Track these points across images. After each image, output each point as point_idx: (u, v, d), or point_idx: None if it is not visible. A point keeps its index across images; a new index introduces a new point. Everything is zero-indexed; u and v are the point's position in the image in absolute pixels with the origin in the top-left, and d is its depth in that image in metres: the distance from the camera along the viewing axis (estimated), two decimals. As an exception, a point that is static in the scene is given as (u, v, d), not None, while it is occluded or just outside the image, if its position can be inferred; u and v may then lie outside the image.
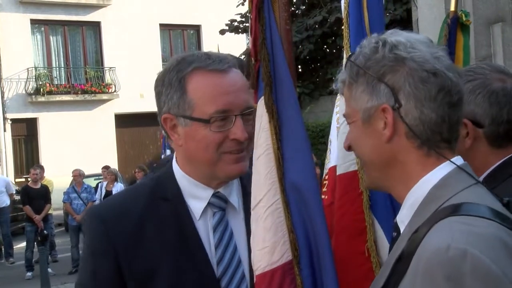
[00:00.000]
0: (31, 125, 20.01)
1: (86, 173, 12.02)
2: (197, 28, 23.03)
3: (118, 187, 11.09)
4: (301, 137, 1.43)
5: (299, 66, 13.44)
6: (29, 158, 19.74)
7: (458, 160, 1.08)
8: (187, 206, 1.44)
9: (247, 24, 13.79)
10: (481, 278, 0.87)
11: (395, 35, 1.10)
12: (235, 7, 14.73)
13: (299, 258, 1.41)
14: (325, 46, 13.72)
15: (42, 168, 11.06)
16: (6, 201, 11.57)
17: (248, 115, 1.42)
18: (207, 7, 22.02)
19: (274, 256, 1.41)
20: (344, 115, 1.18)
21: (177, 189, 1.45)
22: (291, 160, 1.42)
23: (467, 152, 1.46)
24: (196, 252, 1.40)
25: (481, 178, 1.47)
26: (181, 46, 23.05)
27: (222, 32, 14.60)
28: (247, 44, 15.58)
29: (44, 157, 19.44)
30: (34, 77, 19.78)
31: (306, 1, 13.65)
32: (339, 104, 2.48)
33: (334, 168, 2.37)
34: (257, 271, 1.40)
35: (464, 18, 2.38)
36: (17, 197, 12.11)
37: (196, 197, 1.45)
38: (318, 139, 12.36)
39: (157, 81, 1.47)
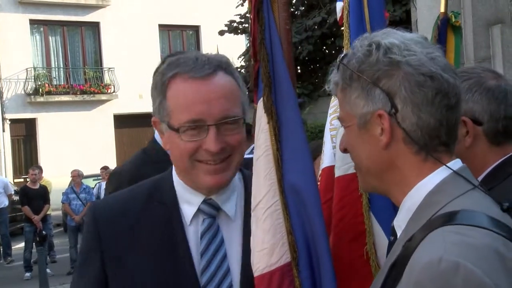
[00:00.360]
0: (30, 125, 19.99)
1: (85, 173, 12.02)
2: (196, 29, 23.03)
3: None
4: (300, 138, 1.43)
5: (298, 67, 13.43)
6: (28, 159, 19.72)
7: (456, 163, 1.06)
8: (180, 211, 1.42)
9: (246, 25, 13.79)
10: None
11: (389, 36, 1.06)
12: (234, 8, 14.72)
13: (297, 259, 1.40)
14: (324, 47, 13.71)
15: (40, 168, 11.06)
16: (5, 202, 11.57)
17: (228, 124, 1.34)
18: (207, 7, 22.02)
19: (273, 257, 1.40)
20: (339, 119, 1.15)
21: (173, 194, 1.44)
22: (290, 161, 1.42)
23: (467, 150, 1.46)
24: (182, 258, 1.38)
25: (480, 177, 1.47)
26: (180, 47, 23.04)
27: (221, 33, 14.59)
28: (247, 45, 15.60)
29: (43, 158, 19.42)
30: (33, 78, 19.76)
31: (306, 2, 13.64)
32: (333, 106, 2.48)
33: (327, 169, 2.37)
34: (256, 273, 1.40)
35: (453, 19, 2.37)
36: (16, 198, 12.10)
37: (189, 202, 1.43)
38: (317, 140, 12.33)
39: (152, 79, 1.47)
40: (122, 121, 20.96)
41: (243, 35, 15.04)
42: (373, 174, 1.10)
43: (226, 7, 17.99)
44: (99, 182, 11.91)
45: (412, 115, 1.02)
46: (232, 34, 14.75)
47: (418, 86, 1.01)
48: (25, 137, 20.10)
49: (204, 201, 1.42)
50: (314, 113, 13.23)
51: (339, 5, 2.54)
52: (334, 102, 2.45)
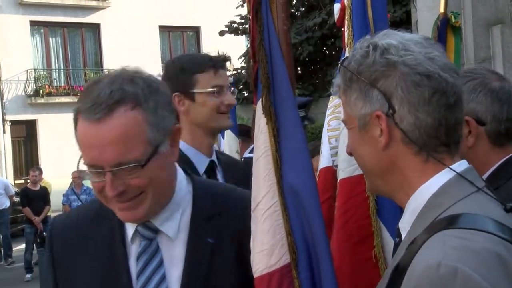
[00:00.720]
0: (30, 126, 20.00)
1: (86, 174, 12.00)
2: (196, 30, 23.04)
3: None
4: (299, 139, 1.43)
5: (299, 68, 13.43)
6: (29, 160, 19.72)
7: (461, 165, 1.05)
8: (125, 230, 1.38)
9: (246, 26, 13.79)
10: None
11: (388, 37, 1.06)
12: (234, 9, 14.73)
13: (297, 261, 1.40)
14: (324, 48, 13.72)
15: (40, 170, 11.06)
16: (6, 203, 11.56)
17: (126, 170, 1.22)
18: (207, 8, 22.03)
19: (272, 259, 1.40)
20: (343, 121, 1.15)
21: None
22: (290, 162, 1.41)
23: (469, 150, 1.46)
24: (120, 278, 1.34)
25: (483, 178, 1.47)
26: (181, 48, 23.05)
27: (222, 33, 14.60)
28: (247, 46, 15.59)
29: (44, 159, 19.42)
30: (33, 79, 19.78)
31: (306, 2, 13.65)
32: (331, 107, 2.49)
33: (324, 170, 2.37)
34: (255, 274, 1.40)
35: (453, 20, 2.37)
36: (17, 199, 12.11)
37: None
38: (318, 141, 12.32)
39: None
40: (123, 122, 20.97)
41: (244, 35, 15.05)
42: (377, 175, 1.10)
43: (227, 8, 18.00)
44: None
45: (410, 115, 1.01)
46: (233, 34, 14.76)
47: (414, 86, 1.01)
48: (25, 138, 20.10)
49: (142, 223, 1.34)
50: (315, 113, 13.20)
51: (336, 7, 2.54)
52: (331, 104, 2.45)
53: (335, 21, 2.53)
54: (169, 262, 1.35)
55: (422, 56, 1.02)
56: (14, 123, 19.60)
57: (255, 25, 1.41)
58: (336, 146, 2.36)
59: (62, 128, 19.80)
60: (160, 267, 1.34)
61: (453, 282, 0.85)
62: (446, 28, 2.37)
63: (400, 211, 1.85)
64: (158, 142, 1.25)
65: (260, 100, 1.42)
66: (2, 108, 19.26)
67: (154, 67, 21.16)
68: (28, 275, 9.97)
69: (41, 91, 19.62)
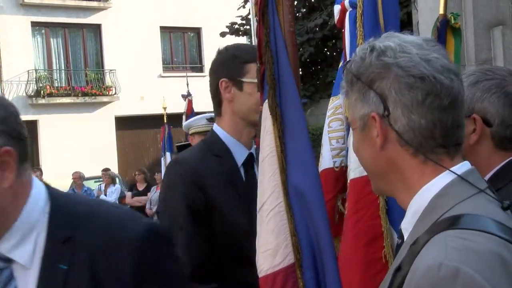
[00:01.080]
0: (31, 127, 19.98)
1: (86, 175, 12.03)
2: (197, 31, 23.04)
3: (112, 190, 11.11)
4: (304, 140, 1.44)
5: (300, 69, 13.43)
6: (29, 160, 19.71)
7: (463, 166, 1.05)
8: None
9: (247, 27, 13.80)
10: None
11: (387, 40, 1.07)
12: (235, 10, 14.73)
13: (301, 261, 1.41)
14: (325, 49, 13.72)
15: (40, 170, 11.07)
16: None
17: None
18: (208, 9, 22.03)
19: (276, 259, 1.41)
20: (348, 122, 1.19)
21: None
22: (294, 163, 1.43)
23: (471, 148, 1.47)
24: None
25: (485, 178, 1.47)
26: (182, 49, 23.06)
27: (223, 34, 14.61)
28: (248, 46, 15.58)
29: (44, 159, 19.42)
30: (34, 79, 19.78)
31: (307, 4, 13.66)
32: (331, 108, 2.50)
33: (325, 171, 2.38)
34: (260, 274, 1.41)
35: (453, 21, 2.37)
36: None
37: None
38: (318, 142, 12.31)
39: None
40: (124, 123, 20.96)
41: (245, 37, 15.04)
42: (377, 175, 1.11)
43: (227, 9, 18.01)
44: (100, 184, 11.92)
45: (403, 117, 1.02)
46: (234, 36, 14.76)
47: (407, 88, 1.02)
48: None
49: None
50: (316, 115, 13.22)
51: (336, 8, 2.56)
52: (332, 105, 2.47)
53: (335, 22, 2.55)
54: None
55: (418, 58, 1.03)
56: (15, 123, 19.58)
57: (261, 27, 1.43)
58: (336, 148, 2.38)
59: (63, 128, 19.81)
60: None
61: (454, 282, 0.85)
62: (445, 29, 2.38)
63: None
64: None
65: (266, 101, 1.43)
66: (3, 108, 19.25)
67: (154, 68, 21.22)
68: (29, 276, 9.97)
69: (42, 91, 19.61)
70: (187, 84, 8.30)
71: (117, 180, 12.16)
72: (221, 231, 1.78)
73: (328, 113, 2.53)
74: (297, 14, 13.73)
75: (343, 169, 2.38)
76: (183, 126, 5.09)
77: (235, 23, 14.65)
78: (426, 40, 1.09)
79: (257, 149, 3.62)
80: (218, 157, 1.89)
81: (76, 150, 19.50)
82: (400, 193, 1.09)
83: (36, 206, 1.25)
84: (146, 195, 10.83)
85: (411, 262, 0.93)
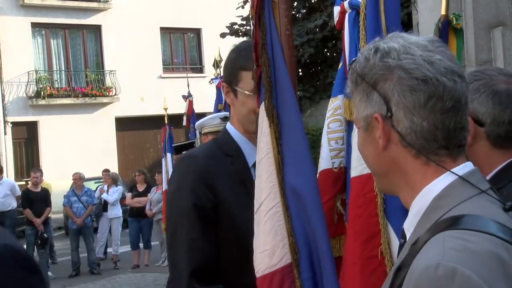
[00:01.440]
0: (31, 128, 20.01)
1: (87, 176, 12.02)
2: (197, 32, 23.07)
3: (114, 190, 11.13)
4: (301, 142, 1.44)
5: (300, 70, 13.43)
6: (30, 162, 19.73)
7: (465, 167, 1.06)
8: None
9: (247, 27, 13.80)
10: None
11: (392, 40, 1.08)
12: (235, 10, 14.74)
13: (298, 261, 1.41)
14: (325, 50, 13.72)
15: (41, 171, 11.06)
16: (13, 204, 11.44)
17: None
18: (208, 10, 22.06)
19: (274, 259, 1.41)
20: (354, 121, 1.19)
21: None
22: (291, 164, 1.43)
23: (469, 149, 1.47)
24: None
25: (486, 178, 1.47)
26: (182, 50, 23.08)
27: (223, 35, 14.61)
28: (248, 47, 15.58)
29: (45, 161, 19.44)
30: (34, 80, 19.80)
31: (307, 4, 13.66)
32: (330, 109, 2.51)
33: (324, 172, 2.39)
34: (257, 274, 1.42)
35: (455, 22, 2.38)
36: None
37: None
38: (318, 143, 12.30)
39: None
40: (124, 124, 20.98)
41: (244, 37, 15.05)
42: (381, 175, 1.12)
43: (227, 10, 18.02)
44: (100, 185, 11.93)
45: (405, 119, 1.03)
46: (233, 36, 14.77)
47: (410, 91, 1.02)
48: (26, 140, 20.12)
49: None
50: (316, 115, 13.24)
51: (336, 10, 2.56)
52: (331, 106, 2.48)
53: (335, 24, 2.56)
54: None
55: (421, 60, 1.03)
56: (15, 124, 19.62)
57: (258, 29, 1.43)
58: (336, 148, 2.39)
59: (63, 129, 19.83)
60: None
61: (451, 282, 0.85)
62: (447, 30, 2.38)
63: (405, 210, 1.89)
64: None
65: (263, 103, 1.44)
66: (3, 109, 19.27)
67: (155, 69, 21.23)
68: (29, 277, 9.97)
69: (42, 92, 19.64)
70: (188, 85, 8.30)
71: (119, 181, 12.16)
72: (228, 230, 1.75)
73: (327, 114, 2.54)
74: (297, 15, 13.73)
75: (342, 170, 2.39)
76: (195, 125, 5.03)
77: (235, 24, 14.65)
78: (431, 40, 1.08)
79: None
80: (229, 156, 1.86)
81: (76, 151, 19.52)
82: (403, 193, 1.10)
83: None
84: (146, 196, 10.82)
85: (411, 261, 0.94)
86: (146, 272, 10.09)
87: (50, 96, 19.84)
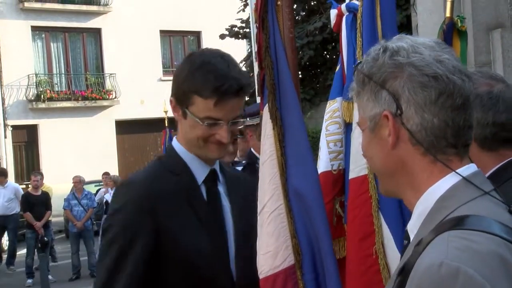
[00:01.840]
0: (31, 131, 20.02)
1: (87, 179, 12.02)
2: (197, 34, 23.09)
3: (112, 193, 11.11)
4: (304, 144, 1.45)
5: (300, 72, 13.44)
6: (30, 165, 19.73)
7: (469, 168, 1.07)
8: None
9: (247, 30, 13.82)
10: None
11: (400, 41, 1.09)
12: (235, 13, 14.77)
13: (301, 262, 1.42)
14: (325, 52, 13.74)
15: (42, 175, 11.06)
16: (16, 208, 11.46)
17: None
18: (208, 13, 22.09)
19: (277, 260, 1.42)
20: (358, 124, 1.19)
21: None
22: (294, 166, 1.44)
23: None
24: None
25: None
26: (182, 52, 23.09)
27: (222, 36, 14.63)
28: (248, 50, 15.62)
29: (45, 164, 19.43)
30: (34, 84, 19.81)
31: (306, 7, 13.69)
32: (329, 112, 2.53)
33: (323, 174, 2.41)
34: (260, 275, 1.42)
35: (459, 24, 2.39)
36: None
37: None
38: (318, 145, 12.33)
39: None
40: (124, 127, 20.99)
41: (244, 40, 15.07)
42: (387, 175, 1.12)
43: (227, 13, 18.05)
44: (101, 187, 11.92)
45: (416, 116, 1.03)
46: (233, 38, 14.78)
47: (421, 87, 1.03)
48: (26, 143, 20.12)
49: None
50: (316, 118, 13.24)
51: (333, 13, 2.58)
52: (329, 108, 2.50)
53: (332, 27, 2.59)
54: None
55: (431, 59, 1.04)
56: (15, 128, 19.62)
57: (261, 32, 1.44)
58: (334, 151, 2.41)
59: (63, 133, 19.83)
60: None
61: (454, 282, 0.86)
62: (452, 32, 2.39)
63: (401, 210, 1.92)
64: None
65: (267, 105, 1.45)
66: (3, 113, 19.28)
67: (154, 72, 21.24)
68: (29, 280, 9.97)
69: (42, 96, 19.65)
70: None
71: (119, 183, 12.14)
72: (173, 257, 1.58)
73: (325, 117, 2.56)
74: (297, 17, 13.74)
75: (341, 172, 2.41)
76: None
77: (235, 26, 14.67)
78: (437, 42, 1.10)
79: (249, 157, 3.60)
80: (175, 174, 1.68)
81: (76, 154, 19.51)
82: (407, 194, 1.10)
83: None
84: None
85: (415, 261, 0.94)
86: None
87: (50, 99, 19.85)
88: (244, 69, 14.54)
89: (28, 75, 19.75)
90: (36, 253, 10.00)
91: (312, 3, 13.67)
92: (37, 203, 10.29)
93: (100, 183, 13.15)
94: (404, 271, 0.98)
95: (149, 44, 21.49)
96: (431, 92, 1.03)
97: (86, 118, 20.46)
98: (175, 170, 1.70)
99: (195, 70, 1.64)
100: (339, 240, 2.29)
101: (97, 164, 18.18)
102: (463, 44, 2.44)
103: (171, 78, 1.75)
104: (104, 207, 11.15)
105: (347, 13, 2.46)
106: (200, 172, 1.72)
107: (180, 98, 1.68)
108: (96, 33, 21.34)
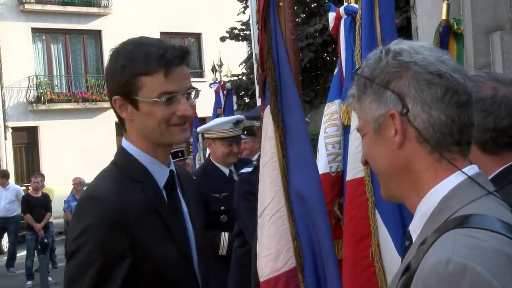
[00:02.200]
0: (32, 133, 20.01)
1: (87, 181, 12.01)
2: (197, 36, 23.11)
3: None
4: (306, 146, 1.45)
5: (300, 74, 13.44)
6: (30, 167, 19.72)
7: (472, 169, 1.08)
8: None
9: (247, 32, 13.83)
10: None
11: (400, 44, 1.11)
12: (235, 15, 14.78)
13: (303, 265, 1.42)
14: (325, 54, 13.75)
15: (43, 176, 11.06)
16: (17, 210, 11.47)
17: None
18: (208, 15, 22.11)
19: (278, 263, 1.42)
20: (357, 129, 1.20)
21: None
22: (296, 168, 1.44)
23: None
24: None
25: None
26: (182, 54, 23.12)
27: (223, 39, 14.64)
28: (248, 52, 15.63)
29: (45, 166, 19.42)
30: (35, 86, 19.82)
31: (306, 9, 13.70)
32: (327, 114, 2.54)
33: (321, 177, 2.42)
34: (261, 278, 1.42)
35: (455, 26, 2.40)
36: (18, 206, 12.07)
37: None
38: (317, 147, 12.32)
39: None
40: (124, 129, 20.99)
41: (245, 42, 15.07)
42: (391, 177, 1.13)
43: (228, 14, 18.07)
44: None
45: (423, 113, 1.05)
46: (234, 41, 14.79)
47: (427, 84, 1.05)
48: (27, 145, 20.11)
49: None
50: (315, 120, 13.25)
51: (331, 16, 2.60)
52: (328, 111, 2.52)
53: (330, 29, 2.60)
54: None
55: (433, 58, 1.06)
56: (15, 129, 19.62)
57: (263, 34, 1.44)
58: (333, 153, 2.43)
59: (63, 134, 19.83)
60: None
61: (462, 278, 0.87)
62: (448, 34, 2.41)
63: (400, 212, 1.93)
64: None
65: (268, 107, 1.45)
66: (3, 114, 19.28)
67: (155, 74, 21.24)
68: (29, 282, 9.96)
69: (42, 97, 19.65)
70: (190, 89, 8.31)
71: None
72: (148, 270, 1.50)
73: (324, 119, 2.58)
74: (297, 19, 13.73)
75: (339, 174, 2.43)
76: (197, 129, 4.73)
77: (235, 28, 14.68)
78: (434, 46, 1.13)
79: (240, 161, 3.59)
80: (138, 182, 1.56)
81: (76, 156, 19.50)
82: (410, 196, 1.11)
83: None
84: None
85: (420, 261, 0.95)
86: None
87: (51, 101, 19.85)
88: (244, 70, 14.58)
89: (29, 76, 19.75)
90: (36, 255, 9.99)
91: (312, 5, 13.68)
92: (37, 205, 10.29)
93: (100, 185, 13.11)
94: (410, 269, 0.98)
95: (149, 46, 21.48)
96: (437, 89, 1.04)
97: (86, 119, 20.46)
98: (138, 178, 1.58)
99: (132, 53, 1.54)
100: (337, 242, 2.30)
101: (97, 166, 18.03)
102: (459, 47, 2.45)
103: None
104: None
105: (345, 16, 2.47)
106: (160, 176, 1.62)
107: (125, 90, 1.56)
108: (96, 35, 21.34)
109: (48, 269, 9.60)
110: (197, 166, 7.15)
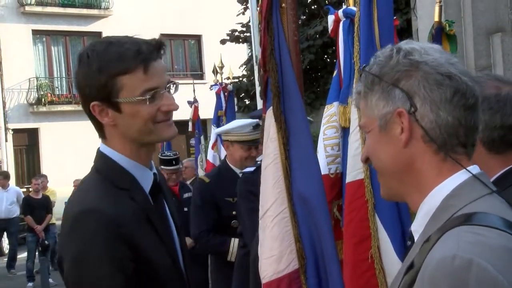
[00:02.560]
0: (32, 135, 20.01)
1: (88, 183, 12.01)
2: (198, 38, 23.12)
3: None
4: (308, 147, 1.46)
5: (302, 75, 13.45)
6: (31, 168, 19.72)
7: (475, 169, 1.09)
8: None
9: (248, 34, 13.84)
10: None
11: (410, 44, 1.12)
12: (235, 17, 14.79)
13: (305, 267, 1.42)
14: (325, 56, 13.76)
15: (45, 177, 11.07)
16: (17, 212, 11.49)
17: None
18: (208, 17, 22.12)
19: (281, 264, 1.42)
20: (361, 126, 1.20)
21: None
22: (299, 170, 1.44)
23: None
24: None
25: None
26: (182, 56, 23.12)
27: (223, 42, 14.65)
28: (248, 54, 15.63)
29: (46, 167, 19.41)
30: (35, 87, 19.83)
31: (307, 11, 13.71)
32: (326, 116, 2.55)
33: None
34: (263, 280, 1.42)
35: (448, 28, 2.42)
36: (19, 207, 12.07)
37: None
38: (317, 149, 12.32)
39: None
40: (124, 130, 20.99)
41: (245, 44, 15.09)
42: (394, 175, 1.13)
43: (228, 16, 18.08)
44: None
45: (431, 113, 1.05)
46: (234, 43, 14.80)
47: (436, 85, 1.05)
48: (27, 147, 20.11)
49: None
50: (316, 122, 13.23)
51: (330, 18, 2.61)
52: (327, 112, 2.53)
53: (329, 32, 2.61)
54: None
55: (443, 60, 1.07)
56: (16, 131, 19.62)
57: (266, 35, 1.44)
58: (332, 155, 2.44)
59: (64, 136, 19.82)
60: None
61: (468, 273, 0.88)
62: (441, 36, 2.42)
63: (399, 214, 1.93)
64: None
65: (271, 108, 1.45)
66: (4, 116, 19.28)
67: (155, 75, 21.24)
68: (30, 284, 9.96)
69: (43, 99, 19.65)
70: (194, 91, 8.30)
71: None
72: (148, 278, 1.47)
73: (323, 121, 2.59)
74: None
75: (338, 176, 2.43)
76: (216, 130, 4.62)
77: (235, 30, 14.69)
78: (442, 48, 1.14)
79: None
80: (125, 190, 1.50)
81: (77, 158, 19.48)
82: (412, 195, 1.11)
83: None
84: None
85: (424, 259, 0.96)
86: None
87: (51, 102, 19.86)
88: (244, 72, 14.58)
89: (29, 78, 19.76)
90: (37, 256, 9.99)
91: (313, 7, 13.69)
92: (37, 206, 10.29)
93: (101, 187, 13.10)
94: (413, 267, 0.99)
95: (150, 47, 21.49)
96: (447, 90, 1.05)
97: (87, 121, 19.97)
98: (124, 185, 1.52)
99: (105, 54, 1.46)
100: (337, 244, 2.31)
101: (98, 168, 18.12)
102: (453, 48, 2.47)
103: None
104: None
105: (344, 19, 2.48)
106: (146, 181, 1.57)
107: (104, 93, 1.49)
108: (97, 36, 21.34)
109: (49, 271, 9.59)
110: (199, 169, 7.15)
